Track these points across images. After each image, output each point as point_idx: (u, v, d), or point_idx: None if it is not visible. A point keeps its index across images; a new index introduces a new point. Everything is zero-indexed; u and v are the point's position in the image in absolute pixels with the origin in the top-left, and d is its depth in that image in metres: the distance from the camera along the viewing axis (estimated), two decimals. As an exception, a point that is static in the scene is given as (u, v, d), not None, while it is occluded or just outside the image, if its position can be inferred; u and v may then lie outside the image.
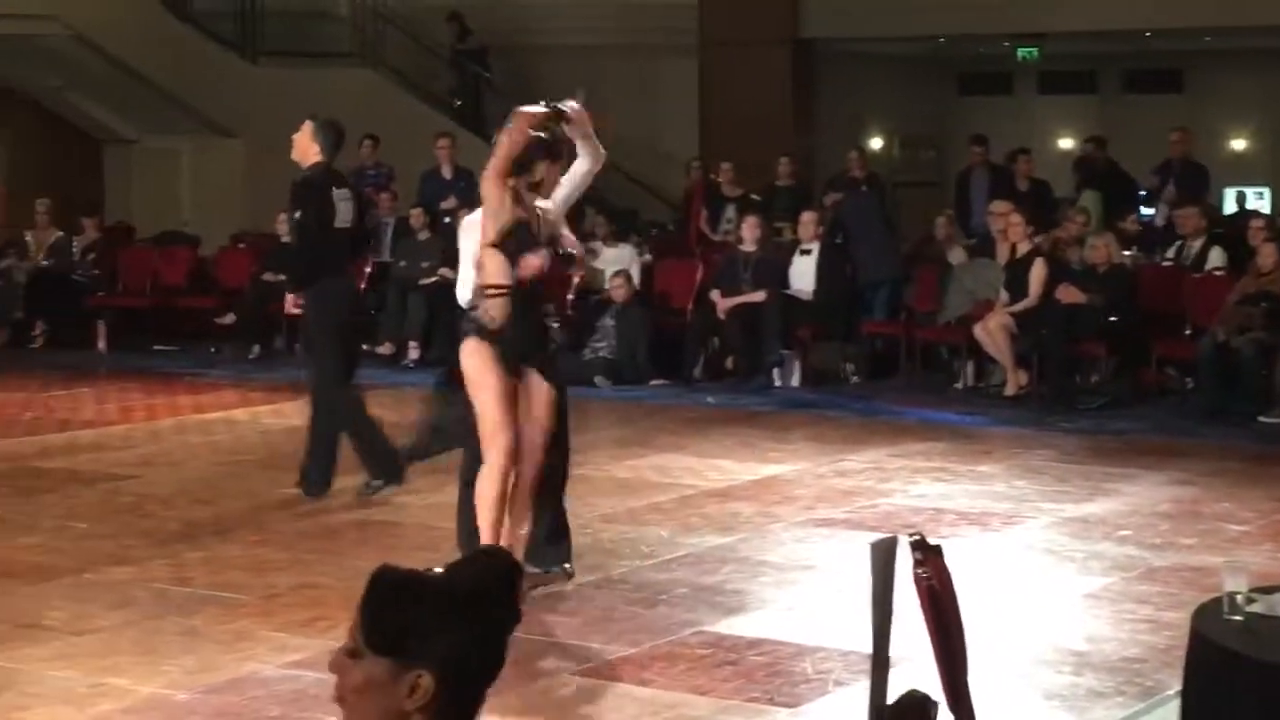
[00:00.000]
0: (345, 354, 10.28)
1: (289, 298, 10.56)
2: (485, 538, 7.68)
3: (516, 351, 7.81)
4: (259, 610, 7.79)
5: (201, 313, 17.97)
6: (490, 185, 7.78)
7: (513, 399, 7.84)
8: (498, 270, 7.77)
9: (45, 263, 18.23)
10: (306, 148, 10.22)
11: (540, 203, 7.89)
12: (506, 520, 7.84)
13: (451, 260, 11.59)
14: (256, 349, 16.98)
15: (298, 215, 10.35)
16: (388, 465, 10.23)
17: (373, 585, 2.69)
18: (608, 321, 15.45)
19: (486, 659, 2.69)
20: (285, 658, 7.06)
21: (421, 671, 2.62)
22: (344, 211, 10.23)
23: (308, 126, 10.24)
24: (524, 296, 7.77)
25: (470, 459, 8.11)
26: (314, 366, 10.41)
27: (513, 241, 7.72)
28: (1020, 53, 23.06)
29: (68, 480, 10.77)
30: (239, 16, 22.07)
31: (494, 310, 7.77)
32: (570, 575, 8.24)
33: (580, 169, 8.08)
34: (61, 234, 18.48)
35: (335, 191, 10.24)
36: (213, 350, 17.29)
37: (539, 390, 7.91)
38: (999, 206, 15.35)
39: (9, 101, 22.32)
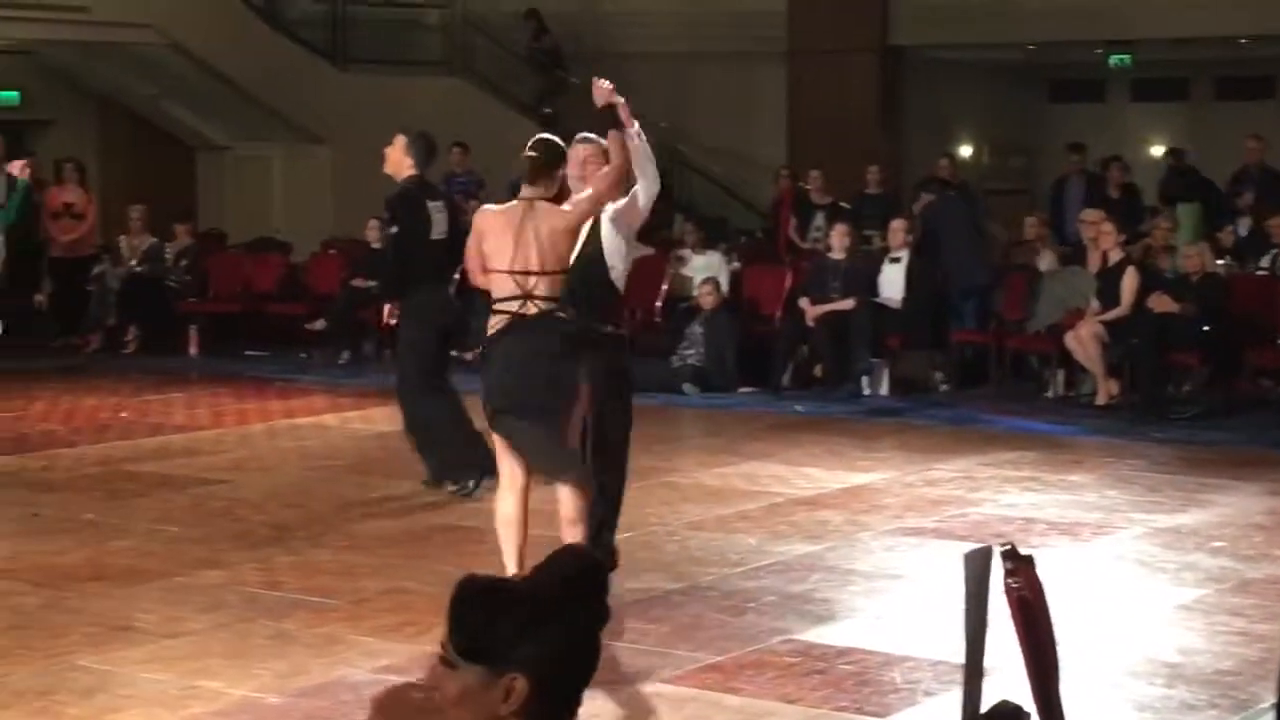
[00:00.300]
0: (437, 360, 10.31)
1: (386, 308, 10.62)
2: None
3: None
4: (348, 615, 7.83)
5: (292, 319, 18.08)
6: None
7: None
8: None
9: (138, 268, 18.39)
10: (399, 161, 10.27)
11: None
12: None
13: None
14: (346, 355, 17.08)
15: (392, 230, 10.42)
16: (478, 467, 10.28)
17: (458, 594, 2.69)
18: (696, 328, 15.44)
19: (579, 658, 2.69)
20: (375, 662, 7.10)
21: (516, 675, 2.63)
22: (439, 223, 10.31)
23: (400, 141, 10.28)
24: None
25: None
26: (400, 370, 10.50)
27: None
28: (1112, 59, 22.88)
29: (160, 484, 10.86)
30: (330, 24, 22.24)
31: None
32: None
33: (637, 189, 8.06)
34: (155, 240, 18.63)
35: (430, 205, 10.30)
36: (303, 356, 17.40)
37: None
38: (1090, 215, 15.28)
39: (104, 109, 22.60)
